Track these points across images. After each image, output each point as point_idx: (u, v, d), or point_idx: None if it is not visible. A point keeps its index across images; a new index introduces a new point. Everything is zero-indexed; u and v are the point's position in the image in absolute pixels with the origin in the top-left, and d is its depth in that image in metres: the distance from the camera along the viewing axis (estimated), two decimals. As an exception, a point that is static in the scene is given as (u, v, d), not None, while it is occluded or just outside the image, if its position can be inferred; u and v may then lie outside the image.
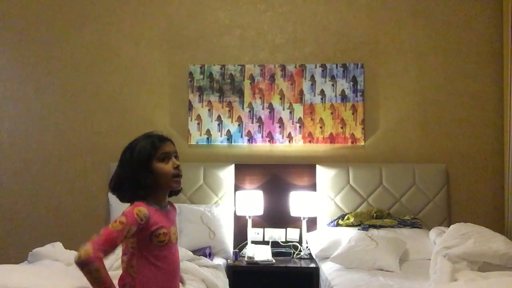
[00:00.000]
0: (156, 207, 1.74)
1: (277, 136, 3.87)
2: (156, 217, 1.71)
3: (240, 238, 3.71)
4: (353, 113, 3.86)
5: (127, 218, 1.62)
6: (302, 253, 3.61)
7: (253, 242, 3.64)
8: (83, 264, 1.51)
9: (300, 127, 3.87)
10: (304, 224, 3.62)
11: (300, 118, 3.87)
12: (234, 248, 3.61)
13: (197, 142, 3.88)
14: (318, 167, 3.79)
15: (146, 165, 1.72)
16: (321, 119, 3.87)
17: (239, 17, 3.96)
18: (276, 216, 3.77)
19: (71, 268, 2.72)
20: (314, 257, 3.50)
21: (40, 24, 3.99)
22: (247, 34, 3.95)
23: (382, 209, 3.65)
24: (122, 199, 1.77)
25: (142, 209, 1.66)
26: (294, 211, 3.64)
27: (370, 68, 3.90)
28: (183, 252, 2.78)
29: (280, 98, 3.89)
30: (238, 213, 3.67)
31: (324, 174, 3.76)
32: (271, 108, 3.89)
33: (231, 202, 3.73)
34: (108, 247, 1.56)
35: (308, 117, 3.87)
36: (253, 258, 3.40)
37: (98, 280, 1.52)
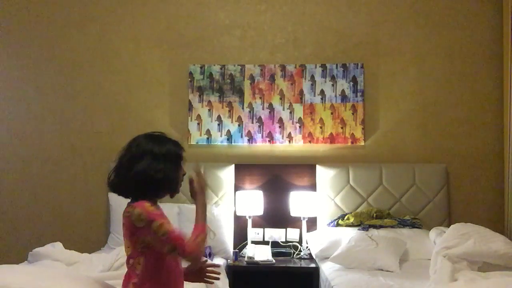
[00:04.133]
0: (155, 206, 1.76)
1: (277, 136, 3.87)
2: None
3: (240, 238, 3.71)
4: (353, 113, 3.86)
5: (156, 216, 1.64)
6: (302, 253, 3.61)
7: (253, 242, 3.64)
8: (198, 253, 1.69)
9: (300, 127, 3.87)
10: (304, 224, 3.62)
11: (300, 118, 3.87)
12: (234, 248, 3.61)
13: (197, 142, 3.88)
14: (318, 167, 3.78)
15: (177, 167, 1.79)
16: (321, 119, 3.86)
17: (239, 17, 3.96)
18: (276, 216, 3.77)
19: (71, 268, 2.73)
20: (314, 257, 3.50)
21: (40, 24, 3.99)
22: (247, 34, 3.95)
23: (382, 209, 3.64)
24: (128, 196, 1.75)
25: (147, 204, 1.68)
26: (294, 211, 3.64)
27: (370, 68, 3.90)
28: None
29: (280, 98, 3.89)
30: (238, 213, 3.67)
31: (324, 174, 3.76)
32: (271, 108, 3.89)
33: (231, 202, 3.73)
34: (183, 236, 1.67)
35: (308, 117, 3.87)
36: (253, 258, 3.40)
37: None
